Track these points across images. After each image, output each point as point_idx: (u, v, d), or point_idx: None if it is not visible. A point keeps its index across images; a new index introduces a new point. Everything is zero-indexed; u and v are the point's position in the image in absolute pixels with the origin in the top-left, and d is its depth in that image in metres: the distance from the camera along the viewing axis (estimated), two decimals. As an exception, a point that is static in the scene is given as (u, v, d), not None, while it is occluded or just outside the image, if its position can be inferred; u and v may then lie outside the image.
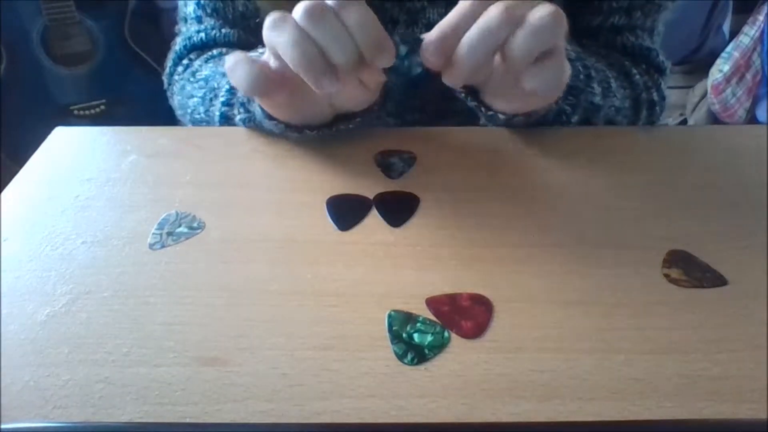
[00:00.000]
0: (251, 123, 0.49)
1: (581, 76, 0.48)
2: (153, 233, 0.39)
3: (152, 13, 1.62)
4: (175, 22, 0.65)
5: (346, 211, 0.41)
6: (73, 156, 0.47)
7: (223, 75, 0.51)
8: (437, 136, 0.48)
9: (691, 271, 0.36)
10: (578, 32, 0.58)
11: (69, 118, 1.49)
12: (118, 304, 0.34)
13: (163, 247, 0.38)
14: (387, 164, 0.46)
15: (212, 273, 0.36)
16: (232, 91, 0.50)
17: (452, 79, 0.39)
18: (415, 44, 0.39)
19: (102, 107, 1.53)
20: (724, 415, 0.28)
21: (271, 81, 0.40)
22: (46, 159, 0.47)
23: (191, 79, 0.57)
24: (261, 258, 0.37)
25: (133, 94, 1.56)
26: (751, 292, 0.35)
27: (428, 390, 0.29)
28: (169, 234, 0.39)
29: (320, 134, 0.46)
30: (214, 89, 0.52)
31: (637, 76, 0.56)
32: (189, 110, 0.57)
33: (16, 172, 0.45)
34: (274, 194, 0.43)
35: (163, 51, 0.65)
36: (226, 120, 0.51)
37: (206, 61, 0.58)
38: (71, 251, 0.38)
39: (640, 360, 0.31)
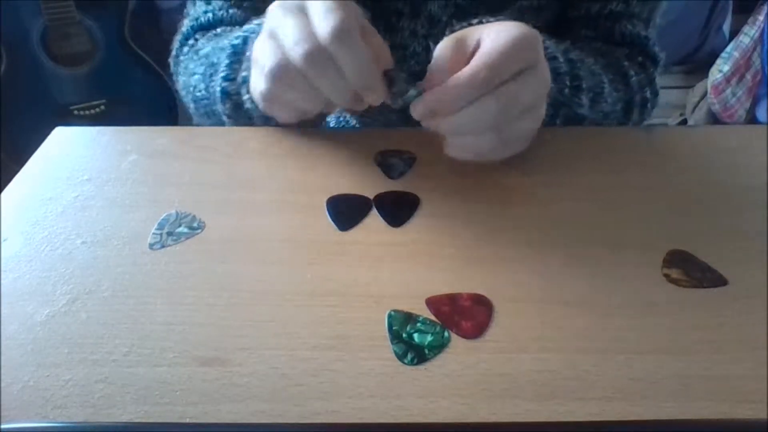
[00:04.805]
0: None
1: (566, 90, 0.48)
2: (153, 233, 0.39)
3: (152, 13, 1.62)
4: (176, 22, 0.65)
5: (346, 211, 0.41)
6: (73, 156, 0.47)
7: (222, 50, 0.51)
8: (437, 136, 0.48)
9: (691, 271, 0.36)
10: (578, 21, 0.58)
11: (69, 118, 1.50)
12: (118, 304, 0.34)
13: (163, 247, 0.38)
14: (387, 164, 0.46)
15: (212, 273, 0.36)
16: (232, 66, 0.50)
17: (428, 127, 0.40)
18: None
19: (102, 107, 1.53)
20: (724, 415, 0.28)
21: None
22: (46, 159, 0.47)
23: (194, 57, 0.57)
24: (261, 258, 0.37)
25: (133, 94, 1.56)
26: (751, 292, 0.35)
27: (428, 390, 0.29)
28: (169, 234, 0.39)
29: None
30: (213, 64, 0.52)
31: (634, 78, 0.56)
32: (191, 88, 0.57)
33: (16, 172, 0.45)
34: (274, 194, 0.43)
35: (163, 51, 0.65)
36: (228, 96, 0.51)
37: (209, 39, 0.58)
38: (71, 251, 0.38)
39: (640, 360, 0.31)
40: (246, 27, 0.50)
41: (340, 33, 0.37)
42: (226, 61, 0.50)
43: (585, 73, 0.50)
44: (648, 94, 0.58)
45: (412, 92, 0.39)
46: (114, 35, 1.49)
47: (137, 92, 1.56)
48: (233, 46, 0.50)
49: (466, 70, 0.37)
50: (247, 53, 0.48)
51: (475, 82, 0.37)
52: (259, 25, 0.48)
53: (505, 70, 0.37)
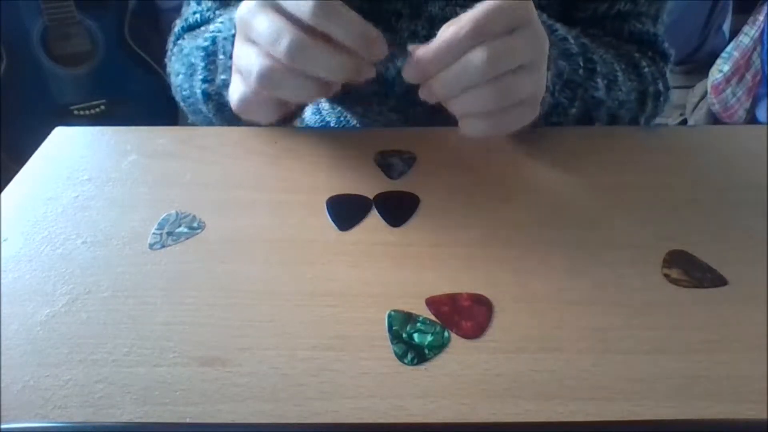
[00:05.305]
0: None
1: (581, 71, 0.48)
2: (153, 233, 0.39)
3: (152, 13, 1.62)
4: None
5: (346, 211, 0.41)
6: (73, 156, 0.47)
7: (197, 49, 0.51)
8: (437, 136, 0.48)
9: (691, 271, 0.36)
10: (585, 21, 0.58)
11: (69, 118, 1.50)
12: (118, 304, 0.34)
13: (163, 247, 0.38)
14: (387, 164, 0.46)
15: (212, 273, 0.36)
16: (208, 67, 0.50)
17: (425, 98, 0.40)
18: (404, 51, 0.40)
19: (102, 107, 1.53)
20: (724, 415, 0.28)
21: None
22: (46, 159, 0.47)
23: (179, 57, 0.57)
24: (261, 258, 0.37)
25: (133, 94, 1.56)
26: (751, 292, 0.35)
27: (428, 390, 0.29)
28: (169, 234, 0.39)
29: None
30: (192, 65, 0.52)
31: (646, 69, 0.56)
32: (178, 88, 0.57)
33: (16, 172, 0.45)
34: (274, 194, 0.43)
35: (163, 51, 0.65)
36: (209, 98, 0.51)
37: (191, 38, 0.57)
38: (71, 251, 0.38)
39: (640, 360, 0.31)
40: (212, 27, 0.50)
41: (322, 5, 0.36)
42: (202, 64, 0.50)
43: (598, 58, 0.50)
44: (661, 87, 0.58)
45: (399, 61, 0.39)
46: (114, 35, 1.49)
47: (137, 92, 1.56)
48: (204, 48, 0.50)
49: (452, 26, 0.37)
50: (219, 55, 0.48)
51: (459, 34, 0.37)
52: (223, 23, 0.48)
53: (492, 25, 0.37)
